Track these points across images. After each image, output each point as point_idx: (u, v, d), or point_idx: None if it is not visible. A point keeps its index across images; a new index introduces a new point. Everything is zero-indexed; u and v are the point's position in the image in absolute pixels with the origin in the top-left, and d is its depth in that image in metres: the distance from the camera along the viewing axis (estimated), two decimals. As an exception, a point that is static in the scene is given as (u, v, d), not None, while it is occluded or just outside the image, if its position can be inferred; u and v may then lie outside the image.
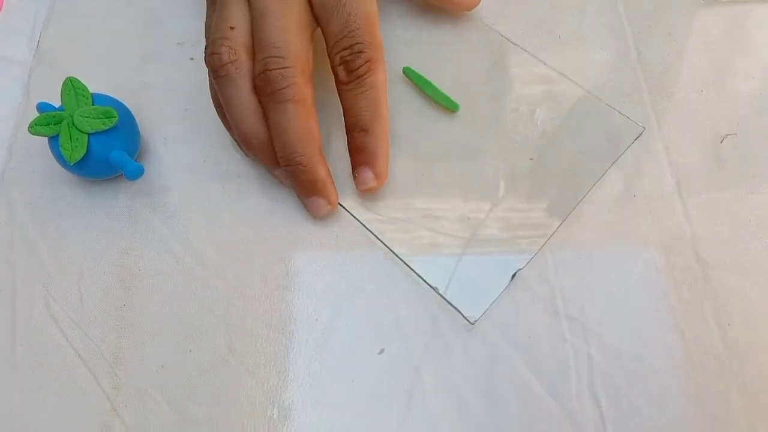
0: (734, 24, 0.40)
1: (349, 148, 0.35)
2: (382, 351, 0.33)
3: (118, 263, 0.35)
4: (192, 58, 0.40)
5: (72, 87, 0.33)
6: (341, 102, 0.34)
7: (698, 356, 0.33)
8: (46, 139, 0.34)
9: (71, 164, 0.33)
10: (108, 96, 0.35)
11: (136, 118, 0.36)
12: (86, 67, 0.39)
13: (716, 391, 0.32)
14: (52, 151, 0.34)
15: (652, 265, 0.34)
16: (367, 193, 0.36)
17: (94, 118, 0.33)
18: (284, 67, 0.32)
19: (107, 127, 0.33)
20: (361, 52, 0.33)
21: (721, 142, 0.37)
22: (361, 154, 0.34)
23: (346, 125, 0.35)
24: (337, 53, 0.33)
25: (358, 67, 0.33)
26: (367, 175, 0.34)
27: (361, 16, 0.33)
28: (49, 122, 0.33)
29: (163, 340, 0.33)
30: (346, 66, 0.33)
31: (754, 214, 0.35)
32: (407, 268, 0.34)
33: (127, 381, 0.33)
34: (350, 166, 0.35)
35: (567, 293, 0.34)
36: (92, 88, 0.34)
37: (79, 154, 0.33)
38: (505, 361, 0.33)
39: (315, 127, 0.34)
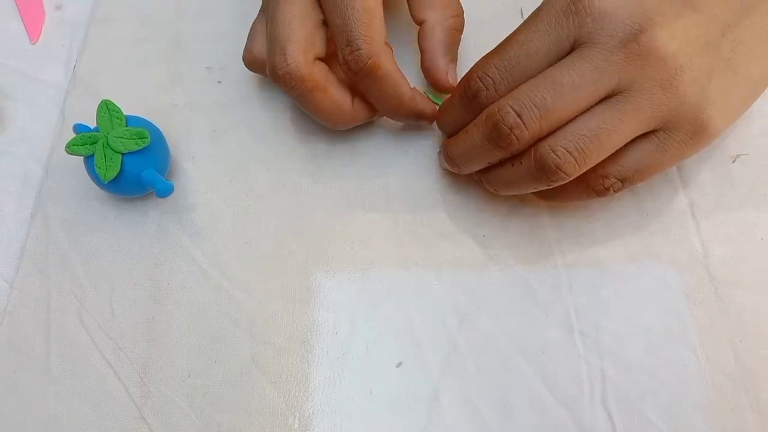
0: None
1: None
2: (399, 364, 0.34)
3: (147, 277, 0.36)
4: (219, 81, 0.41)
5: (107, 109, 0.35)
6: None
7: (710, 372, 0.33)
8: (81, 158, 0.36)
9: (105, 182, 0.34)
10: (141, 118, 0.37)
11: (166, 138, 0.38)
12: (119, 90, 0.41)
13: (729, 408, 0.32)
14: (87, 170, 0.36)
15: (664, 282, 0.35)
16: None
17: (127, 138, 0.35)
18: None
19: (140, 148, 0.35)
20: (359, 49, 0.32)
21: (733, 162, 0.37)
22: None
23: None
24: (340, 50, 0.33)
25: (361, 68, 0.33)
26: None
27: (357, 8, 0.32)
28: (85, 142, 0.35)
29: (190, 351, 0.35)
30: (349, 66, 0.33)
31: (765, 232, 0.36)
32: (425, 282, 0.35)
33: (155, 390, 0.34)
34: None
35: (581, 309, 0.35)
36: (125, 110, 0.36)
37: (113, 173, 0.34)
38: (520, 374, 0.33)
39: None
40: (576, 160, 0.30)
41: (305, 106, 0.35)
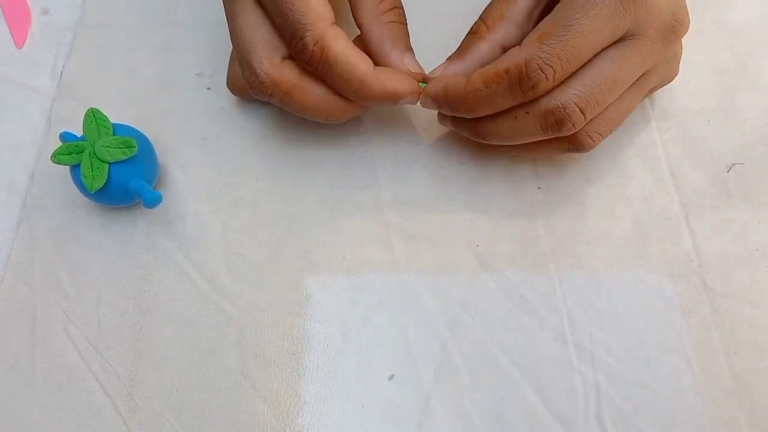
0: (741, 53, 0.41)
1: None
2: (392, 377, 0.33)
3: (135, 288, 0.36)
4: (209, 88, 0.41)
5: (94, 118, 0.34)
6: None
7: (706, 384, 0.33)
8: (67, 167, 0.35)
9: (92, 192, 0.34)
10: (128, 126, 0.36)
11: (154, 146, 0.37)
12: (107, 97, 0.40)
13: (724, 421, 0.32)
14: (73, 179, 0.35)
15: (659, 293, 0.35)
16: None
17: (114, 147, 0.34)
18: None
19: (127, 157, 0.34)
20: (302, 37, 0.32)
21: (728, 171, 0.37)
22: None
23: None
24: (288, 46, 0.33)
25: (311, 55, 0.32)
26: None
27: None
28: (71, 152, 0.34)
29: (179, 364, 0.34)
30: (300, 58, 0.33)
31: (760, 242, 0.35)
32: (417, 293, 0.35)
33: (143, 404, 0.33)
34: None
35: (575, 320, 0.34)
36: (113, 118, 0.35)
37: (99, 183, 0.34)
38: (514, 387, 0.33)
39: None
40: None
41: (291, 109, 0.35)
